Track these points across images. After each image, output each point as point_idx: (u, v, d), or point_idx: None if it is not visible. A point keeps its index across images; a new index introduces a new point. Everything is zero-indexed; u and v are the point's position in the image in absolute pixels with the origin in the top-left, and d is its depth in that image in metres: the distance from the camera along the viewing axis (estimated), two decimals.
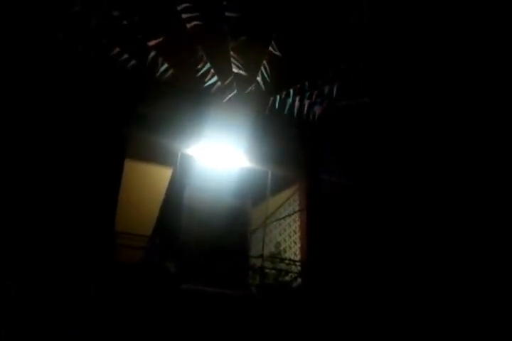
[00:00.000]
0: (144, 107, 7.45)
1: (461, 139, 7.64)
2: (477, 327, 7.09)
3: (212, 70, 6.04)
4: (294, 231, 8.74)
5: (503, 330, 6.76)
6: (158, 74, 5.85)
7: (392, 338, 7.21)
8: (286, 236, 8.89)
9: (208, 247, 7.81)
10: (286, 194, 8.98)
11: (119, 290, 6.38)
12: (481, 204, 7.83)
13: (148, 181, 8.56)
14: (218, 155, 8.15)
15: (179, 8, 6.25)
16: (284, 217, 8.95)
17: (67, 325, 5.92)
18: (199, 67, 5.83)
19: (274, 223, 9.08)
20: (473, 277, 7.48)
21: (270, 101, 5.90)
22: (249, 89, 7.02)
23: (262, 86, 6.90)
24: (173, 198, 8.08)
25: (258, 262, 8.09)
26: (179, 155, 7.93)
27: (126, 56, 5.44)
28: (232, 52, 7.28)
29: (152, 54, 5.61)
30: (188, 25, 5.83)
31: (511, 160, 7.45)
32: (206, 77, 6.21)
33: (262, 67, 6.96)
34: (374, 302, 7.55)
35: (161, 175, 8.48)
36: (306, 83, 5.85)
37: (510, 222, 7.42)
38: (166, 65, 5.87)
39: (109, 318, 6.15)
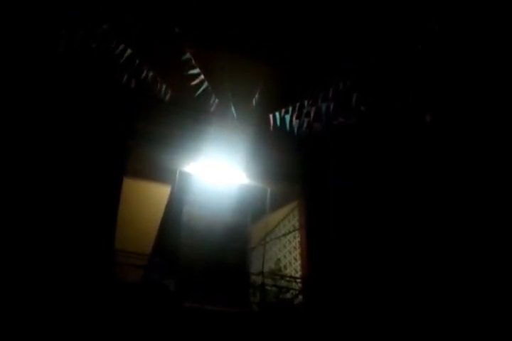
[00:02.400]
0: (143, 124, 7.48)
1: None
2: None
3: (210, 88, 6.08)
4: (294, 248, 8.71)
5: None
6: (158, 92, 5.89)
7: None
8: (286, 253, 8.85)
9: (207, 265, 7.77)
10: (285, 210, 8.96)
11: (119, 309, 6.32)
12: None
13: (147, 199, 8.55)
14: (217, 172, 8.16)
15: (177, 27, 6.34)
16: (283, 234, 8.92)
17: None
18: (197, 85, 5.89)
19: (274, 240, 9.04)
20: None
21: (270, 119, 5.92)
22: (248, 106, 7.07)
23: (261, 103, 6.95)
24: (172, 216, 8.07)
25: (258, 279, 8.04)
26: (178, 172, 7.94)
27: (126, 74, 5.49)
28: (230, 70, 7.36)
29: (151, 72, 5.66)
30: (186, 45, 5.90)
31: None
32: (204, 95, 6.26)
33: (261, 85, 7.02)
34: (376, 319, 7.47)
35: (160, 193, 8.46)
36: (305, 100, 5.89)
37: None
38: (165, 84, 5.92)
39: (108, 337, 6.08)
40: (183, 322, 6.61)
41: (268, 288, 8.06)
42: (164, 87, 5.90)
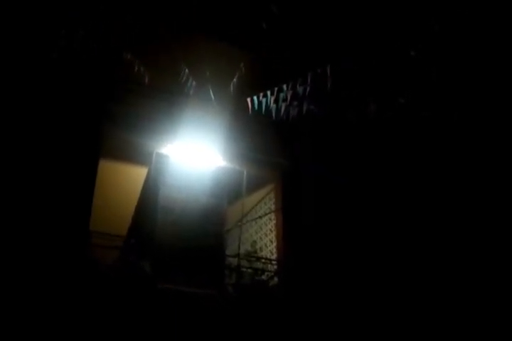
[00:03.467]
0: (119, 106, 7.40)
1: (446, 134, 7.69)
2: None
3: (188, 71, 6.03)
4: (270, 230, 8.78)
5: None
6: (136, 74, 5.82)
7: (370, 336, 7.26)
8: (262, 235, 8.92)
9: (183, 247, 7.78)
10: (262, 193, 9.01)
11: (94, 290, 6.32)
12: (462, 199, 7.86)
13: (123, 181, 8.50)
14: (194, 154, 8.13)
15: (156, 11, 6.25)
16: (260, 216, 8.97)
17: (38, 323, 5.84)
18: (176, 68, 5.82)
19: (250, 222, 9.10)
20: (452, 267, 7.54)
21: (248, 103, 5.91)
22: (226, 90, 7.04)
23: (239, 87, 6.92)
24: (149, 198, 8.03)
25: (234, 261, 8.11)
26: (154, 154, 7.89)
27: (102, 54, 5.40)
28: (208, 54, 7.29)
29: (129, 53, 5.58)
30: (166, 27, 5.82)
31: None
32: (182, 77, 6.20)
33: (239, 69, 6.99)
34: (352, 301, 7.60)
35: (136, 175, 8.42)
36: (284, 85, 5.89)
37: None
38: (143, 67, 5.85)
39: (82, 318, 6.09)
40: (158, 304, 6.64)
41: (244, 269, 8.13)
42: (142, 69, 5.84)
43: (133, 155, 8.06)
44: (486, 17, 6.22)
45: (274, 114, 6.24)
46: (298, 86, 5.92)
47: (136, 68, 5.73)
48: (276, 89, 6.02)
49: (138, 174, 8.40)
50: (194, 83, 6.09)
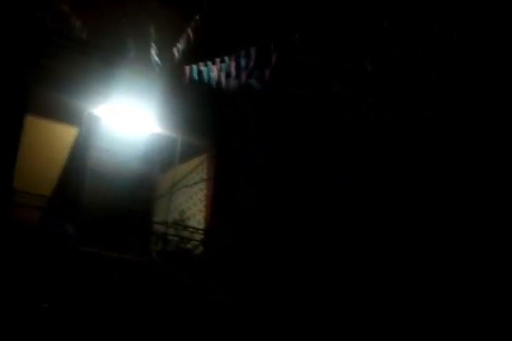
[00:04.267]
0: (51, 61, 7.06)
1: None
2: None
3: (129, 31, 5.84)
4: (200, 200, 8.78)
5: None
6: (73, 29, 5.56)
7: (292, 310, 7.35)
8: (191, 205, 8.92)
9: (110, 211, 7.68)
10: (194, 162, 8.97)
11: (14, 250, 6.14)
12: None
13: (52, 139, 8.21)
14: (127, 118, 7.95)
15: None
16: (191, 185, 8.95)
17: None
18: (117, 26, 5.60)
19: (181, 190, 9.06)
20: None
21: (187, 70, 5.81)
22: (168, 56, 6.89)
23: (182, 54, 6.79)
24: (77, 159, 7.82)
25: (161, 228, 8.10)
26: (85, 114, 7.65)
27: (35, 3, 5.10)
28: (154, 16, 7.08)
29: (66, 4, 5.31)
30: None
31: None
32: (121, 37, 5.99)
33: (184, 36, 6.83)
34: (279, 275, 7.71)
35: (66, 134, 8.14)
36: (226, 56, 5.83)
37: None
38: (79, 19, 5.59)
39: (3, 280, 5.92)
40: (80, 267, 6.55)
41: (170, 237, 8.14)
42: (79, 23, 5.59)
43: (64, 114, 7.77)
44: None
45: (213, 85, 6.19)
46: (242, 59, 5.87)
47: (73, 22, 5.47)
48: (219, 59, 5.95)
49: (68, 134, 8.14)
50: (134, 44, 5.91)
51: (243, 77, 6.02)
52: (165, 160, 8.44)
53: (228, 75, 6.20)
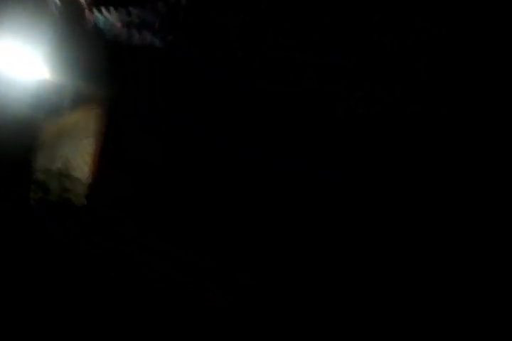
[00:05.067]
0: None
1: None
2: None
3: None
4: (88, 152, 8.62)
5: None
6: None
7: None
8: (78, 156, 8.72)
9: None
10: (85, 112, 8.71)
11: None
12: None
13: None
14: (16, 60, 7.55)
15: None
16: (79, 135, 8.73)
17: None
18: None
19: (68, 140, 8.82)
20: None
21: (90, 16, 5.64)
22: None
23: None
24: None
25: (43, 177, 7.90)
26: None
27: None
28: None
29: None
30: None
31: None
32: None
33: None
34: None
35: None
36: (132, 8, 5.71)
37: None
38: None
39: None
40: None
41: (51, 187, 7.97)
42: None
43: None
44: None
45: (114, 35, 6.07)
46: (148, 13, 5.81)
47: None
48: (124, 9, 5.84)
49: None
50: None
51: (146, 33, 5.97)
52: (54, 108, 8.15)
53: (131, 28, 6.12)
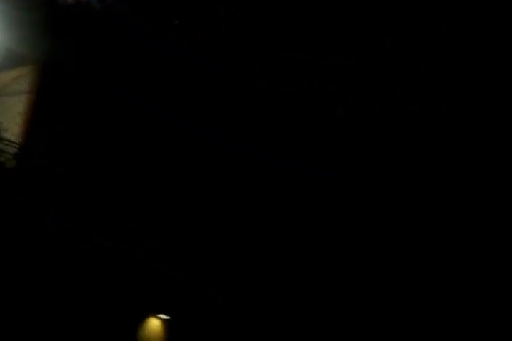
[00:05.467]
0: None
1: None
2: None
3: None
4: (19, 113, 8.13)
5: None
6: None
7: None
8: (9, 117, 8.05)
9: None
10: (17, 71, 8.17)
11: None
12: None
13: None
14: None
15: None
16: (10, 95, 7.87)
17: None
18: None
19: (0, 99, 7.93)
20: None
21: None
22: None
23: None
24: None
25: None
26: None
27: None
28: None
29: None
30: None
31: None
32: None
33: None
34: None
35: None
36: None
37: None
38: None
39: None
40: None
41: None
42: None
43: None
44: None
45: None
46: None
47: None
48: None
49: None
50: None
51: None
52: None
53: None
